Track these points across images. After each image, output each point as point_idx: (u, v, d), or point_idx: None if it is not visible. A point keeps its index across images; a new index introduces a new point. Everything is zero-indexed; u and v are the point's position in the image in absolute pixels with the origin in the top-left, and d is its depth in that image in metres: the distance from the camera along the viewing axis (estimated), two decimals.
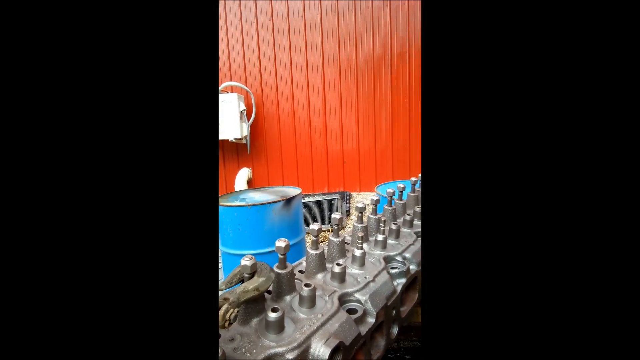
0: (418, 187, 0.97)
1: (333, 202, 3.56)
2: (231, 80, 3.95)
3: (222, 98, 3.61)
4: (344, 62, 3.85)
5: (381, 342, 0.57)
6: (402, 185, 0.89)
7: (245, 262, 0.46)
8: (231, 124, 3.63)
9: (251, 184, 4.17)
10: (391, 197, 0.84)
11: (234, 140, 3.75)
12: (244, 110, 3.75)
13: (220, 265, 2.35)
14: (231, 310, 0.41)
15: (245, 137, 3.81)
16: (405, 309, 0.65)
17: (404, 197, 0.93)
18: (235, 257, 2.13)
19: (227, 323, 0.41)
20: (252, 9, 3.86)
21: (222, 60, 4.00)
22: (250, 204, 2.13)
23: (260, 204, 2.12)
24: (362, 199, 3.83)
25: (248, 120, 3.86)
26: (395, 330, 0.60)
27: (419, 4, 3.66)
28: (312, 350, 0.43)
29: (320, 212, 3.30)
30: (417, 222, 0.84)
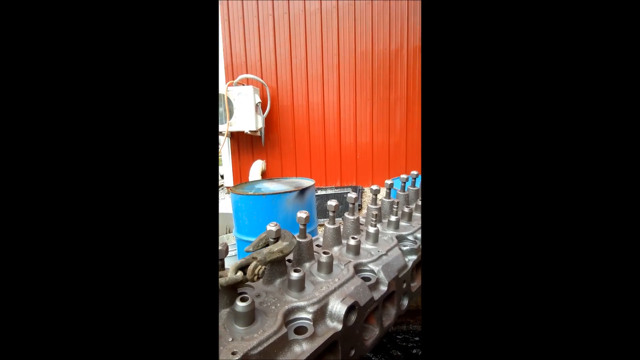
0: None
1: (345, 195, 3.60)
2: (247, 73, 4.03)
3: (238, 90, 3.70)
4: (360, 56, 3.86)
5: (392, 311, 0.61)
6: (415, 172, 0.93)
7: (271, 227, 0.52)
8: (246, 116, 3.72)
9: (265, 176, 4.26)
10: (404, 183, 0.88)
11: (249, 133, 3.84)
12: (259, 102, 3.83)
13: (235, 252, 2.45)
14: (259, 266, 0.47)
15: (260, 129, 3.89)
16: (415, 285, 0.69)
17: (417, 185, 0.96)
18: (248, 244, 2.21)
19: (255, 277, 0.46)
20: (268, 2, 3.91)
21: (238, 53, 4.08)
22: (265, 193, 2.20)
23: (275, 194, 2.19)
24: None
25: (263, 113, 3.93)
26: (405, 302, 0.65)
27: None
28: (330, 307, 0.48)
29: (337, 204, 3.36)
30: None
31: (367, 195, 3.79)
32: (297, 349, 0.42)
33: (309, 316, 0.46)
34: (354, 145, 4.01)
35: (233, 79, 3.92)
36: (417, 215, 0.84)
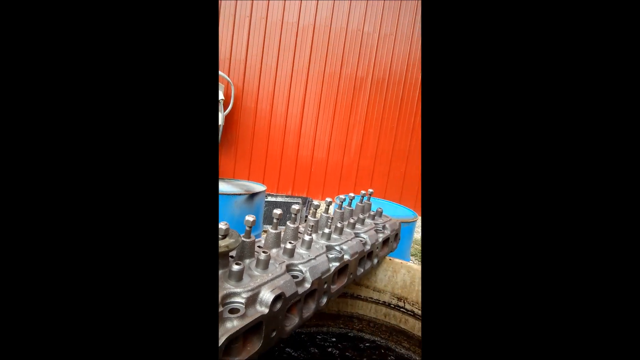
0: (366, 200, 1.21)
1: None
2: None
3: None
4: (328, 76, 4.12)
5: (312, 305, 0.76)
6: (352, 195, 1.11)
7: (221, 226, 0.63)
8: None
9: None
10: (341, 202, 1.06)
11: None
12: (222, 100, 3.82)
13: None
14: None
15: (219, 126, 3.86)
16: (335, 287, 0.86)
17: (353, 205, 1.15)
18: None
19: None
20: (248, 3, 3.99)
21: None
22: None
23: (225, 194, 2.23)
24: (322, 205, 4.05)
25: (224, 110, 3.92)
26: (324, 300, 0.81)
27: (405, 37, 4.05)
28: (260, 295, 0.61)
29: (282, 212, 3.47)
30: (359, 227, 1.06)
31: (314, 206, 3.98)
32: (228, 324, 0.54)
33: (243, 300, 0.59)
34: (310, 158, 4.20)
35: None
36: (348, 230, 1.02)
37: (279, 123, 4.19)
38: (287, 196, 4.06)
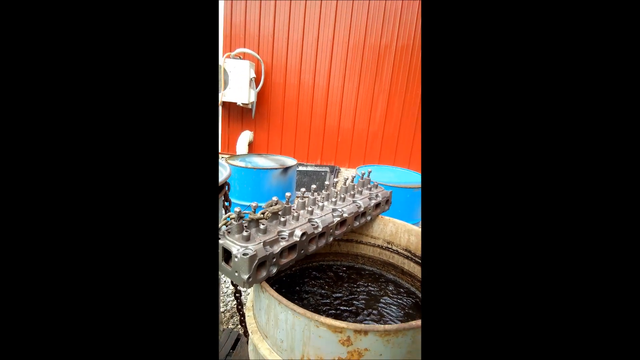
0: (366, 177, 1.86)
1: (323, 173, 4.45)
2: (245, 47, 4.58)
3: (234, 64, 4.29)
4: (352, 46, 4.50)
5: (323, 240, 1.49)
6: (354, 173, 1.77)
7: (274, 198, 1.35)
8: (240, 89, 4.36)
9: (251, 147, 4.98)
10: (346, 179, 1.73)
11: (240, 105, 4.50)
12: (254, 77, 4.45)
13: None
14: (268, 213, 1.29)
15: (252, 103, 4.56)
16: (338, 232, 1.57)
17: (355, 182, 1.81)
18: (238, 205, 3.04)
19: (267, 217, 1.29)
20: None
21: (238, 26, 4.58)
22: (255, 167, 3.01)
23: (263, 169, 3.00)
24: (349, 174, 4.71)
25: (256, 87, 4.57)
26: (330, 238, 1.52)
27: None
28: (295, 232, 1.32)
29: (310, 180, 4.20)
30: (358, 196, 1.74)
31: (342, 174, 4.66)
32: (281, 243, 1.28)
33: (287, 233, 1.32)
34: (337, 128, 4.79)
35: (231, 51, 4.47)
36: (349, 199, 1.70)
37: (307, 96, 4.75)
38: (316, 165, 4.76)
